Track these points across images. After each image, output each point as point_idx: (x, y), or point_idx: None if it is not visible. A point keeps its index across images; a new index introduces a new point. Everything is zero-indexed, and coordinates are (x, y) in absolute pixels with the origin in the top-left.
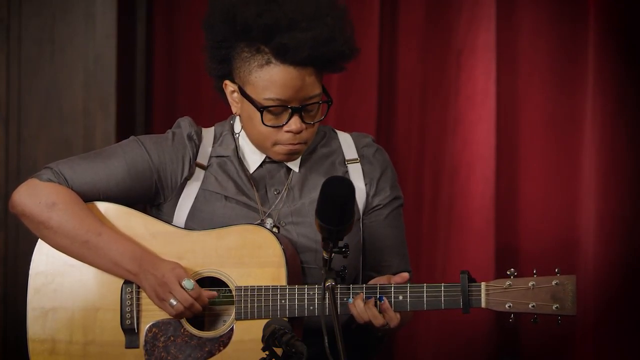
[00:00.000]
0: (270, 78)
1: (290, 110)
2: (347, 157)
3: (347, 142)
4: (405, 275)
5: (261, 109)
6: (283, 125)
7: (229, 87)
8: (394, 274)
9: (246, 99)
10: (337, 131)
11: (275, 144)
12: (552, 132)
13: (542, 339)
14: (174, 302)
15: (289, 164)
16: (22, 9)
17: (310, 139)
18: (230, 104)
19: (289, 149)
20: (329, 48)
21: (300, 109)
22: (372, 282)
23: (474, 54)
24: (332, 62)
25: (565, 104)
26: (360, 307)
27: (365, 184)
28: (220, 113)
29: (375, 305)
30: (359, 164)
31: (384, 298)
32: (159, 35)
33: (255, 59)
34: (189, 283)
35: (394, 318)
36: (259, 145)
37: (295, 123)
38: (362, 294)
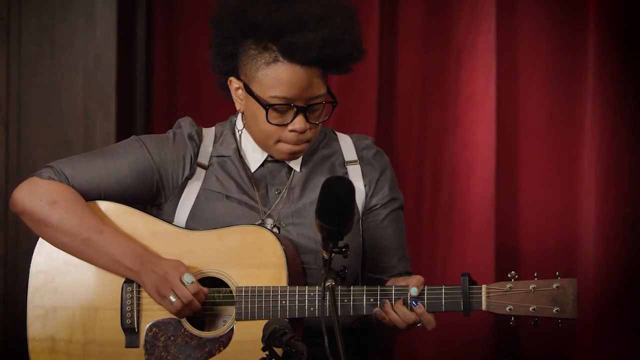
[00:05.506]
0: (277, 76)
1: (295, 109)
2: (346, 159)
3: (346, 144)
4: (420, 278)
5: (267, 106)
6: (287, 123)
7: (234, 83)
8: (395, 275)
9: (251, 96)
10: (337, 133)
11: (278, 141)
12: (552, 132)
13: (541, 340)
14: (173, 299)
15: (291, 164)
16: (22, 9)
17: (313, 139)
18: (235, 101)
19: (292, 148)
20: (338, 49)
21: (305, 109)
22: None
23: (474, 54)
24: (339, 63)
25: (565, 104)
26: (404, 311)
27: (365, 185)
28: (220, 113)
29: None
30: (358, 166)
31: (418, 302)
32: (159, 35)
33: (262, 56)
34: (188, 277)
35: (432, 321)
36: (261, 143)
37: (299, 122)
38: (402, 299)
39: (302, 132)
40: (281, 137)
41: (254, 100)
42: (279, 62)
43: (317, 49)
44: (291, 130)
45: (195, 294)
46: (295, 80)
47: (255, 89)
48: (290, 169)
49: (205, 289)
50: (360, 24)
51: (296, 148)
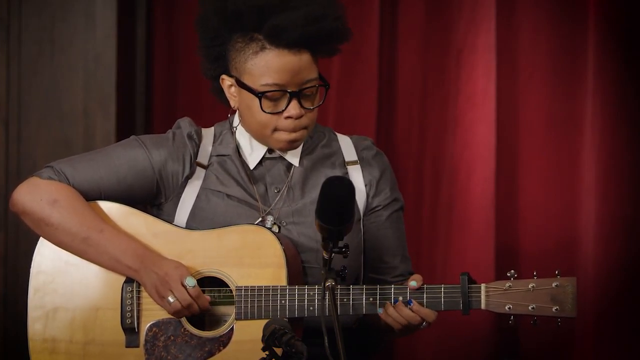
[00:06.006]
0: (266, 64)
1: (288, 95)
2: (346, 159)
3: (346, 145)
4: (419, 277)
5: (259, 94)
6: (282, 111)
7: (226, 81)
8: (397, 275)
9: (244, 88)
10: (337, 134)
11: (275, 130)
12: (552, 132)
13: (541, 339)
14: (172, 300)
15: (289, 158)
16: (22, 9)
17: (310, 125)
18: (229, 99)
19: (290, 136)
20: (322, 25)
21: (297, 93)
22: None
23: (474, 54)
24: (325, 40)
25: (565, 104)
26: (407, 312)
27: (365, 185)
28: (220, 113)
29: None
30: (358, 166)
31: (412, 301)
32: (159, 35)
33: (249, 47)
34: (190, 280)
35: (431, 314)
36: (259, 135)
37: (294, 108)
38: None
39: (298, 117)
40: (277, 126)
41: (247, 92)
42: (266, 50)
43: (301, 26)
44: (287, 117)
45: (196, 298)
46: (284, 65)
47: (246, 80)
48: (289, 166)
49: (207, 297)
50: (342, 3)
51: (294, 135)
